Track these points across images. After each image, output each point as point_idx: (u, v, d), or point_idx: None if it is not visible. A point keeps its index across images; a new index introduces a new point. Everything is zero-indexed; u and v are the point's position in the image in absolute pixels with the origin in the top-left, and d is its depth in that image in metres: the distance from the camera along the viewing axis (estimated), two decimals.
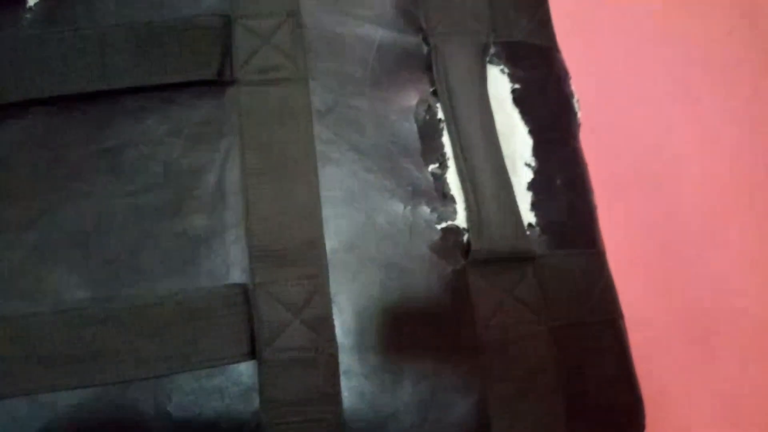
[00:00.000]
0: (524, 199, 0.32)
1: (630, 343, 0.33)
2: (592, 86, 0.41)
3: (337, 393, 0.29)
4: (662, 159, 0.47)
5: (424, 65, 0.33)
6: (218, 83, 0.31)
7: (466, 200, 0.31)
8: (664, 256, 0.45)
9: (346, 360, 0.29)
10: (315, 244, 0.30)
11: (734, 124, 0.48)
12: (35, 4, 0.33)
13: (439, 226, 0.31)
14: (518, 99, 0.34)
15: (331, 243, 0.30)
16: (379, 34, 0.33)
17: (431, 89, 0.33)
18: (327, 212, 0.30)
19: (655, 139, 0.48)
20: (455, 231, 0.31)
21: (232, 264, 0.29)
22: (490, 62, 0.34)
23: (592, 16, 0.50)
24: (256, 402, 0.28)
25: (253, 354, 0.28)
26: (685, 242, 0.45)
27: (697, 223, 0.46)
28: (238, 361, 0.28)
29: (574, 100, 0.36)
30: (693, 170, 0.47)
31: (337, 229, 0.30)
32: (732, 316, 0.44)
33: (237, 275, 0.29)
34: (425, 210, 0.31)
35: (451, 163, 0.32)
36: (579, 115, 0.36)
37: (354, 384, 0.29)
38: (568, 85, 0.36)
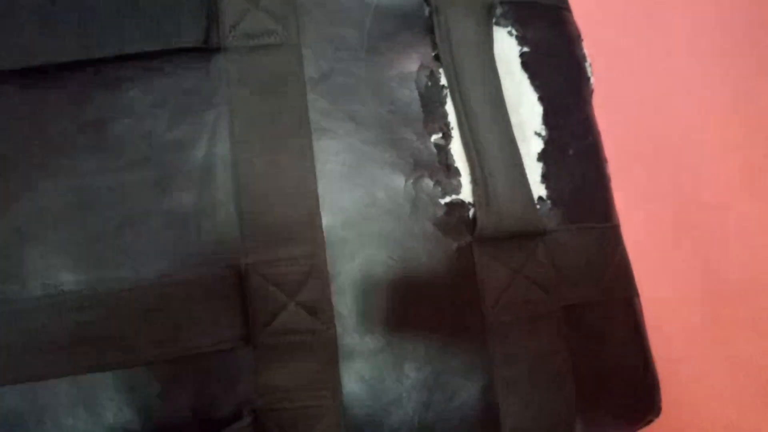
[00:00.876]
0: (534, 171, 0.30)
1: (645, 322, 0.31)
2: (604, 49, 0.38)
3: (336, 378, 0.27)
4: (679, 127, 0.45)
5: (425, 28, 0.31)
6: (204, 50, 0.29)
7: (472, 173, 0.29)
8: (679, 229, 0.43)
9: (346, 343, 0.27)
10: (311, 222, 0.28)
11: (757, 89, 0.46)
12: None
13: (443, 201, 0.29)
14: (527, 63, 0.32)
15: (327, 220, 0.28)
16: None
17: (433, 53, 0.31)
18: (323, 187, 0.28)
19: (672, 105, 0.45)
20: (460, 206, 0.29)
21: (224, 244, 0.28)
22: (497, 24, 0.32)
23: None
24: (251, 387, 0.27)
25: (247, 338, 0.27)
26: (701, 214, 0.43)
27: (714, 194, 0.44)
28: (232, 346, 0.27)
29: (587, 64, 0.34)
30: (711, 139, 0.45)
31: (334, 205, 0.28)
32: (749, 290, 0.42)
33: (229, 255, 0.28)
34: (428, 183, 0.29)
35: (456, 133, 0.30)
36: (592, 80, 0.34)
37: (354, 368, 0.27)
38: (581, 48, 0.34)
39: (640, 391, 0.30)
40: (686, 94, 0.46)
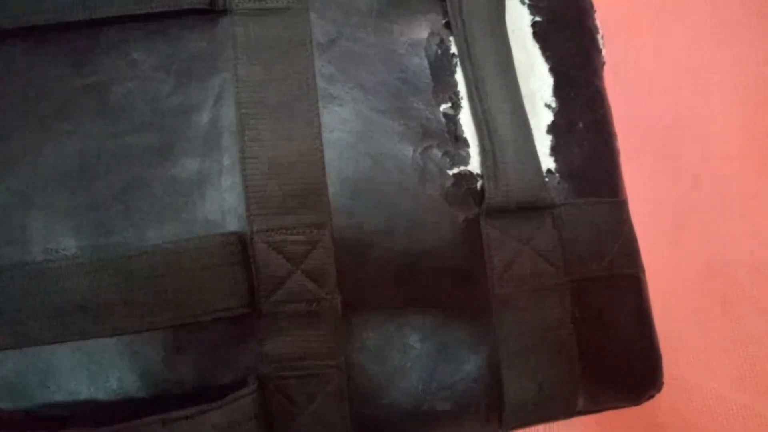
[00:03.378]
0: (543, 143, 0.30)
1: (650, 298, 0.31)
2: (615, 20, 0.38)
3: (341, 347, 0.27)
4: (689, 104, 0.44)
5: None
6: (210, 12, 0.29)
7: (481, 144, 0.29)
8: (685, 206, 0.42)
9: (350, 312, 0.27)
10: (317, 190, 0.28)
11: None
12: None
13: (451, 172, 0.29)
14: (539, 33, 0.31)
15: (333, 189, 0.28)
16: None
17: (444, 21, 0.30)
18: (330, 155, 0.28)
19: (682, 81, 0.45)
20: (468, 177, 0.29)
21: (228, 211, 0.27)
22: None
23: None
24: (256, 355, 0.27)
25: (252, 306, 0.27)
26: (707, 193, 0.43)
27: (720, 174, 0.43)
28: (237, 314, 0.26)
29: (599, 36, 0.33)
30: (721, 116, 0.44)
31: (340, 174, 0.28)
32: (754, 270, 0.42)
33: (233, 223, 0.27)
34: (436, 154, 0.29)
35: (465, 103, 0.29)
36: (603, 52, 0.33)
37: (358, 337, 0.27)
38: (593, 19, 0.33)
39: (643, 366, 0.30)
40: (696, 70, 0.45)
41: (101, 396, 0.27)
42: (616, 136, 0.32)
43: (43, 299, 0.26)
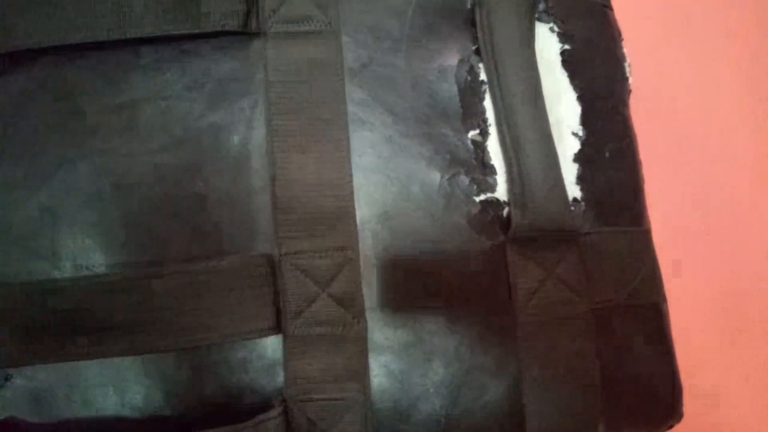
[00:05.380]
0: (570, 172, 0.30)
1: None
2: (639, 47, 0.38)
3: (365, 371, 0.27)
4: (709, 131, 0.44)
5: (467, 20, 0.30)
6: (243, 35, 0.29)
7: (508, 171, 0.29)
8: (704, 234, 0.42)
9: (376, 337, 0.27)
10: (345, 214, 0.28)
11: None
12: None
13: (477, 199, 0.29)
14: (568, 61, 0.31)
15: (362, 213, 0.28)
16: None
17: (474, 47, 0.30)
18: (358, 179, 0.28)
19: (704, 110, 0.45)
20: (495, 204, 0.29)
21: (257, 232, 0.28)
22: (539, 19, 0.31)
23: None
24: (280, 377, 0.27)
25: (278, 328, 0.27)
26: (727, 220, 0.43)
27: (742, 201, 0.43)
28: (263, 336, 0.27)
29: (626, 64, 0.33)
30: (743, 144, 0.45)
31: (368, 198, 0.28)
32: None
33: (262, 244, 0.27)
34: (464, 180, 0.29)
35: (493, 130, 0.30)
36: (630, 80, 0.33)
37: (383, 362, 0.27)
38: (621, 48, 0.33)
39: (664, 395, 0.30)
40: (718, 99, 0.45)
41: (126, 413, 0.27)
42: (641, 164, 0.32)
43: (72, 316, 0.26)
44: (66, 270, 0.27)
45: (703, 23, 0.46)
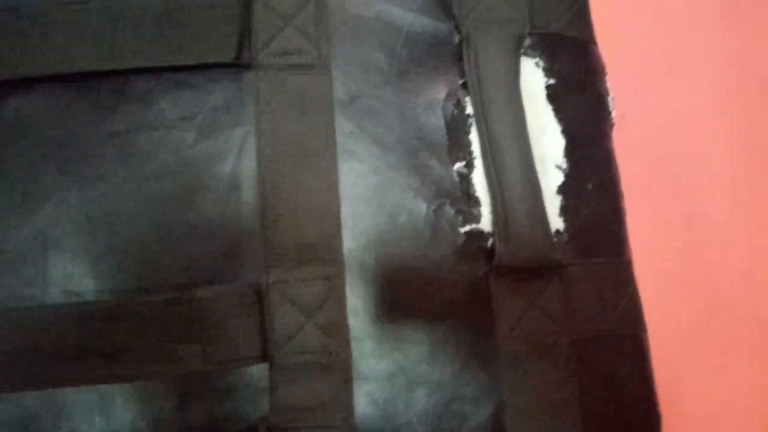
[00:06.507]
0: (553, 204, 0.31)
1: (652, 356, 0.32)
2: (621, 79, 0.39)
3: (350, 399, 0.28)
4: (690, 161, 0.45)
5: (454, 55, 0.31)
6: (236, 66, 0.29)
7: (493, 203, 0.30)
8: (687, 260, 0.43)
9: (360, 366, 0.28)
10: (332, 244, 0.28)
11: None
12: None
13: (462, 230, 0.30)
14: (552, 95, 0.32)
15: (348, 243, 0.29)
16: (408, 19, 0.31)
17: (461, 81, 0.31)
18: (346, 210, 0.29)
19: (684, 140, 0.46)
20: (479, 235, 0.30)
21: (246, 260, 0.28)
22: (524, 54, 0.32)
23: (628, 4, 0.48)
24: (266, 405, 0.27)
25: (264, 356, 0.27)
26: (708, 248, 0.44)
27: (722, 229, 0.44)
28: (250, 364, 0.27)
29: (609, 98, 0.34)
30: (721, 175, 0.46)
31: (356, 229, 0.29)
32: (754, 325, 0.42)
33: (250, 273, 0.28)
34: (449, 211, 0.30)
35: (478, 162, 0.30)
36: (613, 114, 0.34)
37: (367, 391, 0.28)
38: (604, 82, 0.34)
39: (644, 425, 0.31)
40: (699, 130, 0.46)
41: None
42: (623, 196, 0.33)
43: (60, 342, 0.27)
44: (56, 296, 0.28)
45: (686, 56, 0.48)
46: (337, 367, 0.28)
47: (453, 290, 0.29)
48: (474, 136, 0.31)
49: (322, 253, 0.28)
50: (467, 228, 0.30)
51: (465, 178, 0.30)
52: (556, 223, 0.31)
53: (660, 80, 0.47)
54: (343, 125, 0.29)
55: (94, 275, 0.28)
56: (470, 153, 0.30)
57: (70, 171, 0.29)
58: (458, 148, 0.30)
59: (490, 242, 0.30)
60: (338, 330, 0.28)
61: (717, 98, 0.47)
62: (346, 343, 0.28)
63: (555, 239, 0.30)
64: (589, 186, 0.32)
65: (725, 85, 0.47)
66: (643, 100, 0.46)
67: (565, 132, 0.32)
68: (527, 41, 0.32)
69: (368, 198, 0.29)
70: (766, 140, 0.47)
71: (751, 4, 0.49)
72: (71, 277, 0.28)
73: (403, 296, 0.28)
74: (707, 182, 0.45)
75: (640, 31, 0.47)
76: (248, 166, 0.29)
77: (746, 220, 0.45)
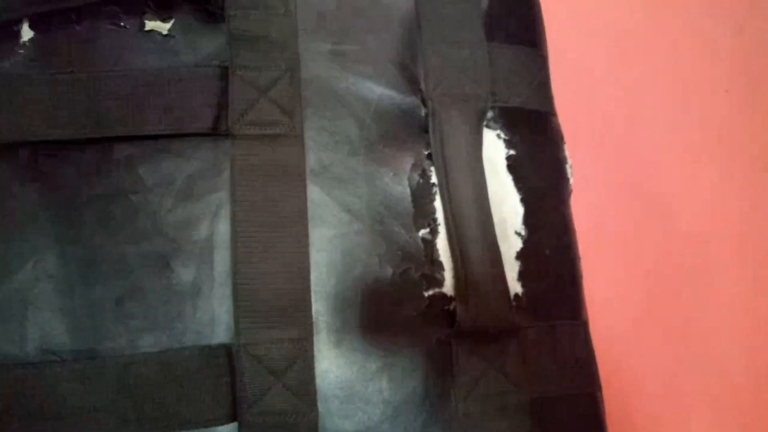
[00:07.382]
0: (512, 269, 0.33)
1: (606, 413, 0.34)
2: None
3: None
4: (656, 177, 0.48)
5: (420, 127, 0.33)
6: (213, 135, 0.31)
7: (455, 268, 0.31)
8: (657, 277, 0.45)
9: (327, 426, 0.29)
10: (302, 307, 0.30)
11: (729, 141, 0.49)
12: (29, 40, 0.32)
13: (426, 294, 0.31)
14: (512, 166, 0.34)
15: (317, 306, 0.30)
16: (378, 92, 0.33)
17: (426, 152, 0.33)
18: (315, 274, 0.30)
19: (649, 157, 0.49)
20: (442, 298, 0.31)
21: (218, 322, 0.29)
22: (487, 126, 0.34)
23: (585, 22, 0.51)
24: None
25: (234, 417, 0.28)
26: (677, 262, 0.46)
27: (691, 243, 0.47)
28: (219, 424, 0.28)
29: (568, 166, 0.36)
30: (686, 188, 0.48)
31: (324, 292, 0.30)
32: (727, 339, 0.44)
33: (222, 334, 0.29)
34: (414, 276, 0.31)
35: (442, 229, 0.32)
36: (571, 181, 0.36)
37: None
38: (563, 151, 0.36)
39: None
40: (663, 147, 0.49)
41: None
42: (579, 259, 0.35)
43: (35, 401, 0.27)
44: (32, 354, 0.28)
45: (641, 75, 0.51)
46: (304, 426, 0.29)
47: (416, 353, 0.30)
48: (438, 204, 0.32)
49: (292, 316, 0.30)
50: (431, 292, 0.31)
51: (429, 244, 0.32)
52: (515, 287, 0.32)
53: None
54: (313, 193, 0.31)
55: (70, 334, 0.29)
56: (434, 220, 0.32)
57: (51, 233, 0.30)
58: (423, 215, 0.32)
59: (452, 305, 0.31)
60: (306, 390, 0.29)
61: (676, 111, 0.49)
62: (313, 404, 0.29)
63: (514, 303, 0.32)
64: (547, 251, 0.34)
65: (687, 104, 0.50)
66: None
67: (524, 200, 0.34)
68: (490, 114, 0.34)
69: (337, 262, 0.31)
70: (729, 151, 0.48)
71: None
72: (48, 335, 0.29)
73: (367, 358, 0.30)
74: (671, 197, 0.47)
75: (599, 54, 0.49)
76: (223, 230, 0.30)
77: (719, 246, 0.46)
